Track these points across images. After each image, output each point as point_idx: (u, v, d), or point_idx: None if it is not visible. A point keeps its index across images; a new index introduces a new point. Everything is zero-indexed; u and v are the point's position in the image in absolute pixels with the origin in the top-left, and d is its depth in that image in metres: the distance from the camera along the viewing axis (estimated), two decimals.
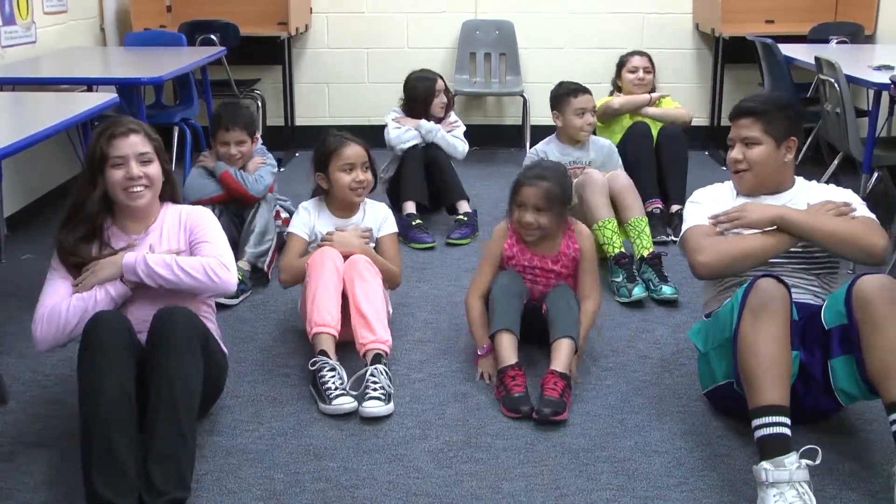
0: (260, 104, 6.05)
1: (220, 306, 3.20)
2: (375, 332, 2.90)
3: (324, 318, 2.91)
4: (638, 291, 3.56)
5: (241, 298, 3.61)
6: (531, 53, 6.29)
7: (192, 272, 2.50)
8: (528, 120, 6.02)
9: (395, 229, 3.36)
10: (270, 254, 3.81)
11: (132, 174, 2.53)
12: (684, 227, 2.80)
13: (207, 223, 2.69)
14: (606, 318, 3.44)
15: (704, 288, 2.92)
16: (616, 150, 4.30)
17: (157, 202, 2.69)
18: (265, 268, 3.78)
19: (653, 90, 4.82)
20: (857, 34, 5.66)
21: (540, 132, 5.36)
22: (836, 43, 5.54)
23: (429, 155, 4.53)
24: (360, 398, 2.75)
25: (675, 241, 4.07)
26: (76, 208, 2.59)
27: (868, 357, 2.34)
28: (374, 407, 2.72)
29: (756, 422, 2.27)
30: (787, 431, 2.24)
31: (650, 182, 4.41)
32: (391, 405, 2.76)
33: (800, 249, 2.66)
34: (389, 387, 2.79)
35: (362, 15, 6.24)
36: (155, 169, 2.59)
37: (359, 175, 3.21)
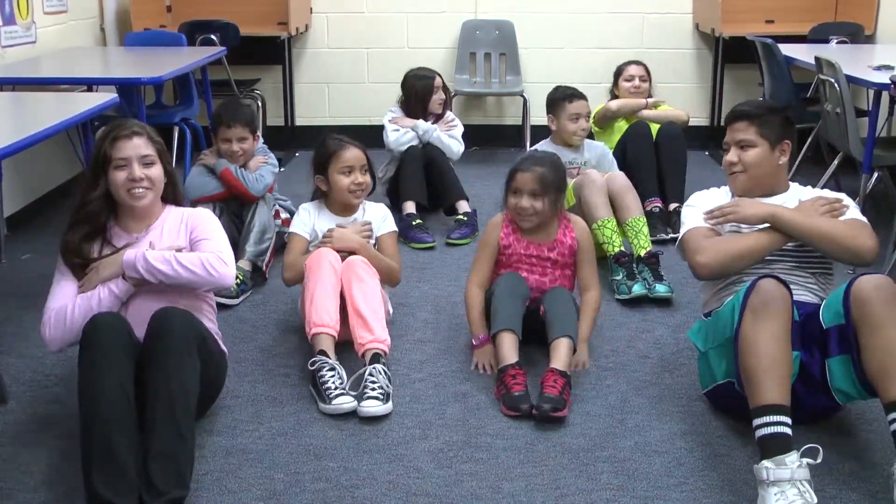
0: (260, 104, 6.05)
1: (220, 306, 3.20)
2: (374, 332, 2.90)
3: (322, 318, 2.92)
4: (638, 288, 3.57)
5: (241, 298, 3.61)
6: (531, 53, 6.29)
7: (190, 266, 2.54)
8: (528, 120, 6.02)
9: (395, 228, 3.39)
10: (269, 253, 3.81)
11: (134, 176, 2.58)
12: (682, 231, 2.85)
13: (208, 223, 2.73)
14: (606, 318, 3.44)
15: (703, 288, 2.94)
16: (609, 151, 4.36)
17: (160, 203, 2.73)
18: (264, 267, 3.78)
19: (649, 98, 4.91)
20: (857, 34, 5.66)
21: (540, 132, 5.36)
22: (836, 43, 5.54)
23: (428, 155, 4.55)
24: (360, 398, 2.75)
25: (674, 240, 4.06)
26: (79, 208, 2.64)
27: (866, 357, 2.35)
28: (372, 406, 2.72)
29: (757, 421, 2.28)
30: (788, 431, 2.24)
31: (650, 181, 4.43)
32: (389, 405, 2.76)
33: (793, 248, 2.71)
34: (388, 386, 2.79)
35: (362, 15, 6.24)
36: (157, 171, 2.64)
37: (357, 177, 3.25)
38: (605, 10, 6.20)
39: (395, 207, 4.53)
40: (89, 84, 4.38)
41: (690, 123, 6.13)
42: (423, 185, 4.49)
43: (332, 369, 2.81)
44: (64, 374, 3.00)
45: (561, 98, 4.18)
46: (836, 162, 4.43)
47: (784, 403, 2.28)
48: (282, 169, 5.20)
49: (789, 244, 2.70)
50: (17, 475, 2.45)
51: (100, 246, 2.64)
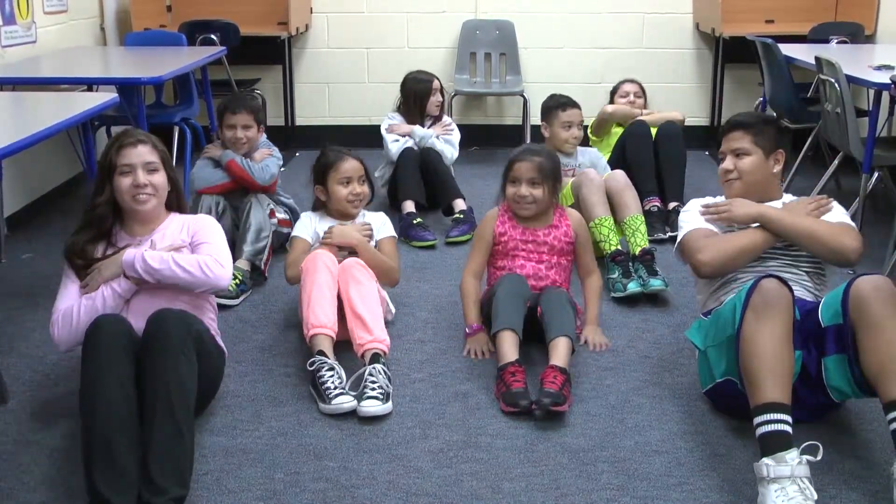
0: (260, 104, 6.04)
1: (220, 306, 3.21)
2: (372, 333, 2.91)
3: (320, 319, 2.94)
4: (633, 286, 3.58)
5: (241, 298, 3.61)
6: (531, 53, 6.29)
7: (187, 267, 2.60)
8: (528, 120, 6.02)
9: (394, 233, 3.46)
10: (266, 252, 3.82)
11: (139, 181, 2.67)
12: (681, 234, 2.92)
13: (209, 227, 2.80)
14: (607, 318, 3.44)
15: (699, 290, 2.99)
16: (602, 157, 4.48)
17: (163, 210, 2.81)
18: (262, 266, 3.78)
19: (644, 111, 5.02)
20: (858, 34, 5.66)
21: (540, 132, 5.36)
22: (837, 43, 5.53)
23: (424, 157, 4.62)
24: (359, 398, 2.75)
25: (672, 239, 4.11)
26: (86, 214, 2.75)
27: (865, 357, 2.36)
28: (371, 406, 2.72)
29: (758, 419, 2.29)
30: (789, 429, 2.25)
31: (649, 181, 4.46)
32: (389, 404, 2.76)
33: (784, 247, 2.80)
34: (388, 386, 2.79)
35: (362, 15, 6.24)
36: (161, 178, 2.73)
37: (356, 188, 3.36)
38: (605, 10, 6.20)
39: (395, 207, 4.56)
40: (89, 84, 4.38)
41: (690, 123, 6.15)
42: (420, 185, 4.54)
43: (332, 369, 2.81)
44: (64, 374, 3.00)
45: (554, 106, 4.29)
46: (836, 162, 4.43)
47: (785, 402, 2.29)
48: (282, 168, 5.20)
49: (780, 244, 2.79)
50: (17, 475, 2.45)
51: (104, 248, 2.71)
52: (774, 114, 5.21)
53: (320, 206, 3.45)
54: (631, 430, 2.69)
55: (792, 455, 2.21)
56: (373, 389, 2.75)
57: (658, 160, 4.55)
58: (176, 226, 2.79)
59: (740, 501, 2.34)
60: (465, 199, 4.53)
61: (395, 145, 4.69)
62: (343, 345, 3.00)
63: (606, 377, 3.01)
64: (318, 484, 2.42)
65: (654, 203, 4.39)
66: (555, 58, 6.28)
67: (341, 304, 3.03)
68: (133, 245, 2.70)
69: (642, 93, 5.02)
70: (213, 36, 5.57)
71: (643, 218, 3.84)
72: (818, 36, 5.65)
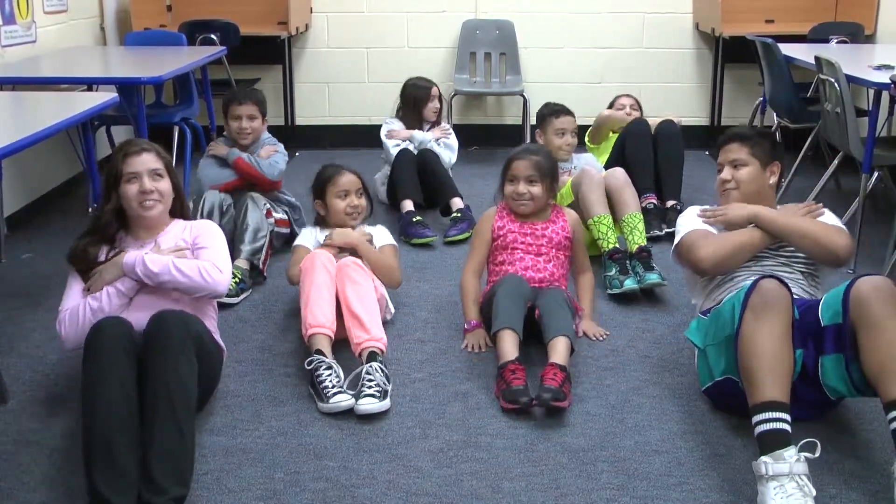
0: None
1: (220, 305, 3.21)
2: (370, 332, 2.93)
3: (318, 319, 2.96)
4: (629, 283, 3.60)
5: (241, 297, 3.62)
6: (531, 53, 6.29)
7: (187, 272, 2.66)
8: (528, 119, 6.01)
9: (394, 243, 3.53)
10: (264, 251, 3.83)
11: (145, 188, 2.75)
12: (679, 237, 2.98)
13: (211, 233, 2.87)
14: (607, 318, 3.44)
15: (695, 293, 3.03)
16: (597, 161, 4.57)
17: (168, 216, 2.87)
18: (261, 265, 3.79)
19: None
20: (857, 34, 5.66)
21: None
22: (836, 42, 5.53)
23: (421, 157, 4.67)
24: (357, 396, 2.75)
25: (668, 237, 4.19)
26: (92, 221, 2.84)
27: (865, 357, 2.37)
28: (368, 404, 2.72)
29: (756, 418, 2.30)
30: (787, 427, 2.26)
31: (647, 178, 4.47)
32: (387, 402, 2.76)
33: (778, 248, 2.86)
34: (385, 384, 2.80)
35: (362, 15, 6.24)
36: (166, 184, 2.81)
37: (353, 200, 3.47)
38: (605, 9, 6.20)
39: (395, 207, 4.58)
40: (89, 84, 4.38)
41: (690, 123, 6.16)
42: (417, 185, 4.58)
43: (329, 368, 2.82)
44: (64, 374, 3.00)
45: (548, 113, 4.41)
46: (836, 162, 4.43)
47: (784, 400, 2.30)
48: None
49: (773, 245, 2.85)
50: (17, 475, 2.45)
51: (106, 251, 2.76)
52: (774, 114, 5.22)
53: (320, 222, 3.55)
54: (631, 429, 2.69)
55: (790, 453, 2.21)
56: (370, 388, 2.76)
57: (657, 159, 4.57)
58: (178, 229, 2.86)
59: (740, 501, 2.34)
60: (462, 199, 4.54)
61: (395, 150, 4.75)
62: (342, 344, 3.00)
63: (606, 377, 3.01)
64: (318, 483, 2.42)
65: (651, 200, 4.41)
66: (555, 58, 6.28)
67: (339, 303, 3.04)
68: (136, 248, 2.74)
69: (638, 106, 5.06)
70: (213, 36, 5.57)
71: (641, 216, 3.85)
72: (818, 36, 5.65)
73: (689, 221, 2.99)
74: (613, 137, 4.79)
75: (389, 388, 2.81)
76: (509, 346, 2.88)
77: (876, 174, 4.12)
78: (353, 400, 2.74)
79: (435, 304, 3.61)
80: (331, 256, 3.16)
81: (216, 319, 2.91)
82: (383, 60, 6.29)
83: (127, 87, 4.26)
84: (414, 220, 4.35)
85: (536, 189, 3.26)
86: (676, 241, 2.99)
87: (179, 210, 2.92)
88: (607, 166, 4.41)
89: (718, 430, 2.67)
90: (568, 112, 4.40)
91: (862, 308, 2.38)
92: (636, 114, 4.98)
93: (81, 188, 5.07)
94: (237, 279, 3.59)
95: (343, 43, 6.29)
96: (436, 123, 4.98)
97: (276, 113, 6.24)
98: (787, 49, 4.83)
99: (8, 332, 3.36)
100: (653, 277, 3.60)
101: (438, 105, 4.97)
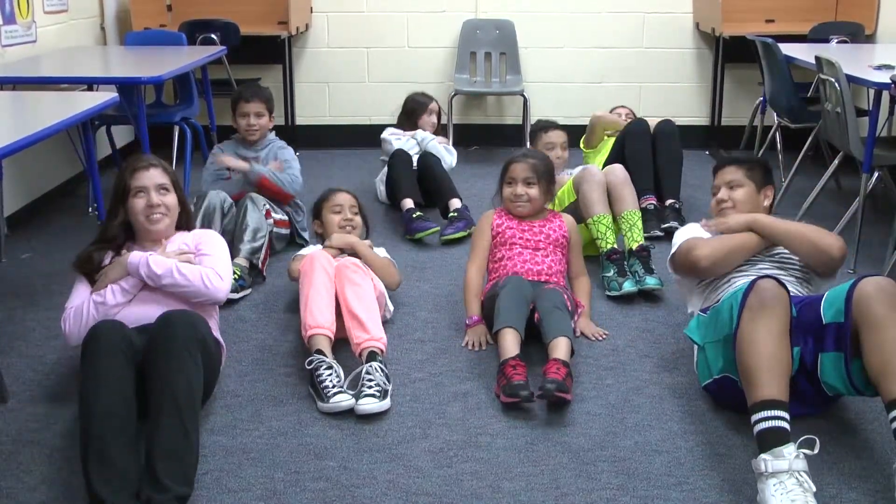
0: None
1: None
2: (370, 332, 2.93)
3: (317, 319, 2.97)
4: (628, 286, 3.60)
5: (241, 294, 3.62)
6: (531, 53, 6.29)
7: (189, 276, 2.75)
8: (528, 119, 6.01)
9: (391, 258, 3.59)
10: (264, 251, 3.83)
11: (152, 202, 2.86)
12: (676, 245, 3.05)
13: (214, 241, 2.97)
14: (606, 318, 3.44)
15: (692, 301, 3.06)
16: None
17: (174, 230, 2.97)
18: (260, 264, 3.80)
19: None
20: (858, 34, 5.66)
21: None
22: (837, 42, 5.53)
23: (423, 160, 4.72)
24: (357, 396, 2.75)
25: (667, 236, 4.21)
26: (100, 234, 2.95)
27: (868, 356, 2.38)
28: (368, 403, 2.72)
29: (755, 416, 2.31)
30: (786, 425, 2.27)
31: (646, 178, 4.47)
32: (387, 401, 2.76)
33: (770, 254, 2.92)
34: (385, 383, 2.80)
35: (362, 14, 6.24)
36: (172, 199, 2.92)
37: (347, 214, 3.62)
38: (606, 9, 6.20)
39: (396, 207, 4.59)
40: (89, 83, 4.39)
41: (691, 123, 6.16)
42: (415, 184, 4.61)
43: (329, 368, 2.82)
44: (64, 374, 3.00)
45: (538, 129, 4.58)
46: (836, 162, 4.43)
47: (782, 399, 2.30)
48: None
49: (767, 253, 2.92)
50: (17, 475, 2.45)
51: (112, 258, 2.84)
52: (774, 114, 5.22)
53: (319, 240, 3.66)
54: (631, 429, 2.69)
55: (789, 450, 2.22)
56: (370, 387, 2.76)
57: (655, 158, 4.57)
58: (183, 237, 2.96)
59: (740, 501, 2.34)
60: (461, 199, 4.54)
61: (398, 143, 4.84)
62: (342, 344, 3.00)
63: (606, 377, 3.01)
64: (318, 483, 2.42)
65: (650, 202, 4.41)
66: (555, 57, 6.28)
67: (339, 304, 3.05)
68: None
69: (633, 116, 5.06)
70: (213, 35, 5.57)
71: (640, 214, 3.85)
72: (818, 35, 5.65)
73: (687, 232, 3.09)
74: (608, 141, 4.79)
75: (389, 387, 2.82)
76: (511, 343, 2.89)
77: (876, 174, 4.11)
78: (354, 400, 2.75)
79: (435, 304, 3.61)
80: (330, 258, 3.18)
81: (217, 316, 2.97)
82: (383, 60, 6.29)
83: (127, 87, 4.27)
84: (414, 216, 4.37)
85: (534, 191, 3.37)
86: (673, 250, 3.05)
87: (185, 224, 3.02)
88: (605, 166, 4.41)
89: (718, 429, 2.67)
90: (557, 127, 4.54)
91: (865, 308, 2.40)
92: (630, 118, 4.99)
93: (81, 188, 5.07)
94: (236, 276, 3.59)
95: (343, 43, 6.29)
96: (434, 135, 5.06)
97: (277, 112, 6.17)
98: (787, 49, 4.83)
99: (8, 331, 3.36)
100: (651, 282, 3.60)
101: (436, 120, 5.12)
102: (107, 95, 3.73)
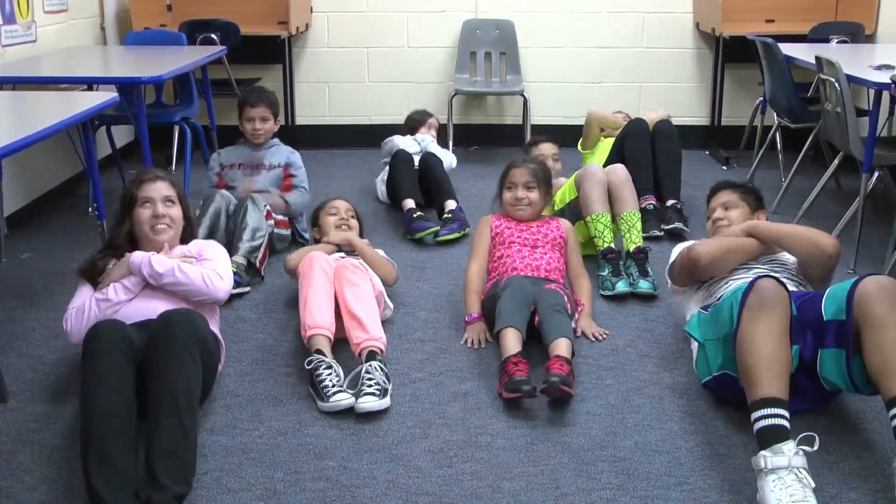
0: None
1: None
2: (369, 331, 2.94)
3: (316, 320, 2.97)
4: (621, 286, 3.61)
5: (236, 291, 3.61)
6: (531, 53, 6.29)
7: (190, 274, 2.82)
8: (529, 119, 6.01)
9: (388, 258, 3.61)
10: (262, 251, 3.84)
11: (158, 213, 2.94)
12: (674, 256, 3.13)
13: (215, 249, 3.04)
14: (606, 318, 3.44)
15: (690, 308, 3.08)
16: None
17: (177, 242, 3.05)
18: (258, 264, 3.80)
19: None
20: (858, 34, 5.66)
21: (540, 131, 5.37)
22: (837, 42, 5.53)
23: (424, 161, 4.74)
24: (357, 395, 2.75)
25: (667, 237, 4.28)
26: (106, 244, 3.03)
27: (868, 355, 2.39)
28: (368, 402, 2.73)
29: (755, 414, 2.31)
30: (786, 423, 2.28)
31: (646, 179, 4.47)
32: (387, 400, 2.76)
33: (766, 260, 3.00)
34: (385, 382, 2.80)
35: (362, 14, 6.24)
36: (177, 211, 3.00)
37: (342, 214, 3.73)
38: (606, 9, 6.20)
39: (397, 207, 4.60)
40: (89, 83, 4.38)
41: (690, 123, 6.16)
42: (416, 184, 4.62)
43: (329, 367, 2.82)
44: (64, 374, 3.01)
45: (529, 144, 4.83)
46: (836, 162, 4.43)
47: (782, 397, 2.31)
48: None
49: (764, 258, 3.02)
50: (16, 475, 2.45)
51: (114, 262, 2.89)
52: (775, 114, 5.22)
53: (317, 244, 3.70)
54: (631, 429, 2.69)
55: (789, 447, 2.23)
56: (370, 386, 2.76)
57: (655, 157, 4.57)
58: (184, 245, 3.04)
59: (740, 501, 2.34)
60: (457, 201, 4.55)
61: (401, 140, 4.92)
62: (342, 344, 3.01)
63: (606, 377, 3.01)
64: (318, 483, 2.42)
65: (650, 202, 4.41)
66: (555, 57, 6.28)
67: (338, 304, 3.06)
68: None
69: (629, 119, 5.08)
70: (213, 35, 5.57)
71: (640, 215, 3.86)
72: (818, 35, 5.65)
73: (684, 246, 3.16)
74: (606, 142, 4.79)
75: (389, 386, 2.82)
76: (512, 341, 2.89)
77: (876, 174, 4.12)
78: (353, 399, 2.75)
79: (435, 304, 3.61)
80: (328, 259, 3.19)
81: (218, 316, 3.01)
82: (383, 60, 6.29)
83: (127, 87, 4.27)
84: (415, 216, 4.38)
85: (534, 195, 3.46)
86: (672, 259, 3.11)
87: (189, 238, 3.08)
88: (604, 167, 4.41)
89: (718, 429, 2.67)
90: (546, 140, 4.74)
91: (866, 306, 2.41)
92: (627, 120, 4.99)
93: (81, 188, 5.07)
94: (234, 272, 3.59)
95: (343, 43, 6.29)
96: None
97: None
98: (787, 49, 4.83)
99: (8, 331, 3.36)
100: (644, 286, 3.61)
101: (435, 134, 5.18)
102: (107, 95, 3.73)
